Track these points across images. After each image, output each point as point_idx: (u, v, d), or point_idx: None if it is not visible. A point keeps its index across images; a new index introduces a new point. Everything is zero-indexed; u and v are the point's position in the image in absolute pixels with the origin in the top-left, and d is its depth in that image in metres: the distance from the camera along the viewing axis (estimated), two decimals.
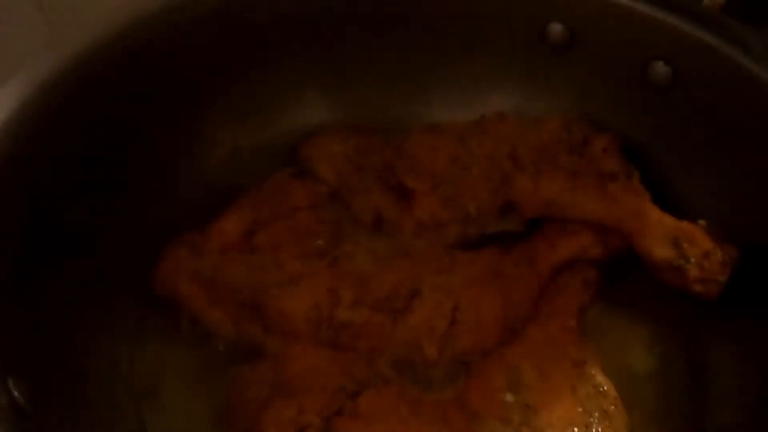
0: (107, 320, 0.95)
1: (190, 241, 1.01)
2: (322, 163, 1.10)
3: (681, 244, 0.93)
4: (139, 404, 0.91)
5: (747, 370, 0.90)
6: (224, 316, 0.96)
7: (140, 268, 1.00)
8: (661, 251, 0.93)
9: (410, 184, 1.04)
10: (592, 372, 0.86)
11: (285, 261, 0.95)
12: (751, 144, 0.96)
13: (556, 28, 1.10)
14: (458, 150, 1.08)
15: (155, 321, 0.99)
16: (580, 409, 0.80)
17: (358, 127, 1.17)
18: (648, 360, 0.96)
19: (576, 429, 0.79)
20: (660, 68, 1.04)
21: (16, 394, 0.69)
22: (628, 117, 1.10)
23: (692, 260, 0.92)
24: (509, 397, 0.81)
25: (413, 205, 1.03)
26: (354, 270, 0.95)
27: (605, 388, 0.84)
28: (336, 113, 1.21)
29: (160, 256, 1.01)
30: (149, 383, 0.93)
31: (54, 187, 0.90)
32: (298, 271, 0.94)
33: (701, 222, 0.95)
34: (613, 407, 0.83)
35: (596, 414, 0.81)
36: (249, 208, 1.04)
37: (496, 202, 1.05)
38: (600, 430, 0.80)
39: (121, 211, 1.01)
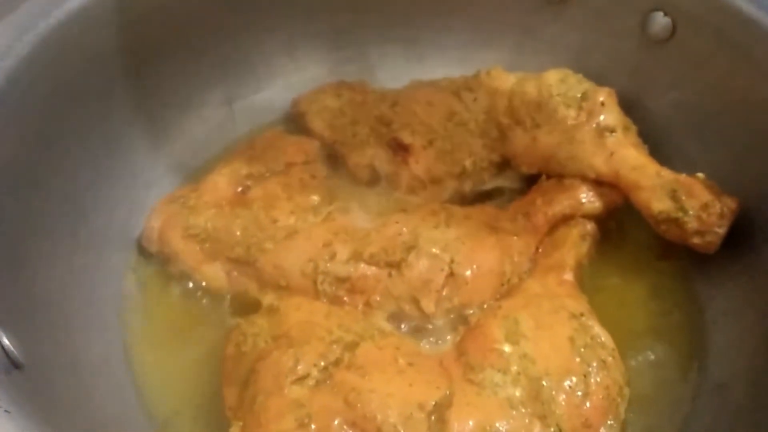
0: (97, 276, 0.94)
1: (182, 196, 1.00)
2: (315, 119, 1.09)
3: (679, 197, 0.92)
4: (130, 353, 0.90)
5: (745, 322, 0.90)
6: (219, 272, 0.95)
7: (132, 223, 0.99)
8: (659, 204, 0.92)
9: (406, 140, 1.03)
10: (590, 323, 0.85)
11: (279, 216, 0.94)
12: (751, 95, 0.95)
13: None
14: (454, 105, 1.07)
15: (146, 277, 0.98)
16: (578, 359, 0.80)
17: (352, 83, 1.16)
18: (646, 314, 0.95)
19: (574, 378, 0.78)
20: (659, 19, 1.03)
21: (7, 344, 0.69)
22: (626, 71, 1.09)
23: (690, 212, 0.91)
24: (507, 348, 0.80)
25: (409, 161, 1.03)
26: (349, 225, 0.94)
27: (603, 339, 0.84)
28: (329, 71, 1.19)
29: (151, 211, 0.99)
30: (140, 334, 0.93)
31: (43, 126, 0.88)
32: (293, 227, 0.93)
33: (699, 175, 0.94)
34: (610, 358, 0.82)
35: (594, 364, 0.80)
36: (242, 163, 1.03)
37: (493, 157, 1.05)
38: (598, 379, 0.79)
39: (111, 165, 0.99)
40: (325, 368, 0.77)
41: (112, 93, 0.99)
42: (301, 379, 0.76)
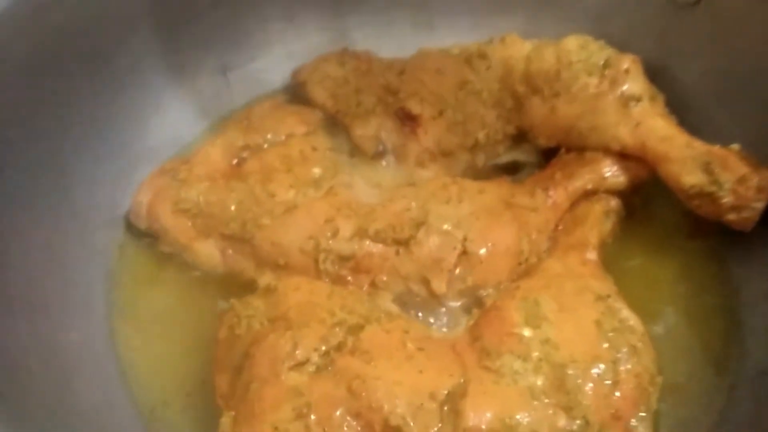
0: (81, 254, 0.88)
1: (173, 169, 0.94)
2: (317, 87, 1.02)
3: (713, 169, 0.85)
4: (115, 337, 0.85)
5: None
6: (212, 250, 0.90)
7: (119, 198, 0.94)
8: (690, 177, 0.86)
9: (414, 109, 0.97)
10: (617, 306, 0.79)
11: (277, 190, 0.89)
12: None
13: None
14: (466, 73, 1.01)
15: (135, 255, 0.93)
16: (606, 345, 0.74)
17: (356, 52, 1.09)
18: (675, 297, 0.89)
19: (602, 365, 0.72)
20: None
21: None
22: (651, 37, 1.02)
23: (726, 186, 0.84)
24: (527, 332, 0.74)
25: (418, 132, 0.97)
26: (353, 200, 0.89)
27: (632, 322, 0.77)
28: (331, 40, 1.13)
29: (140, 185, 0.94)
30: (126, 316, 0.88)
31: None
32: (292, 201, 0.88)
33: (734, 146, 0.87)
34: (640, 343, 0.76)
35: (623, 350, 0.74)
36: (238, 134, 0.97)
37: (508, 129, 1.00)
38: (628, 366, 0.73)
39: (96, 136, 0.94)
40: (327, 353, 0.72)
41: (97, 59, 0.93)
42: (300, 365, 0.71)
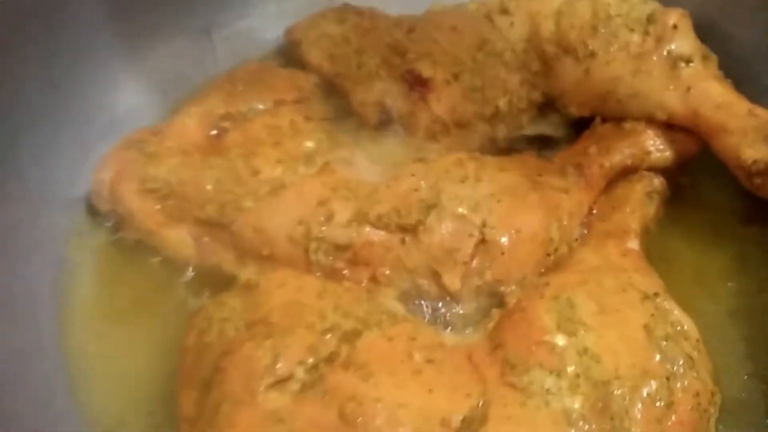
0: (32, 241, 0.80)
1: (140, 141, 0.85)
2: (313, 48, 0.94)
3: None
4: (67, 343, 0.76)
5: None
6: (185, 237, 0.82)
7: (80, 176, 0.85)
8: (753, 150, 0.77)
9: (425, 72, 0.88)
10: (668, 306, 0.69)
11: (263, 166, 0.80)
12: None
13: None
14: (485, 31, 0.92)
15: (96, 243, 0.84)
16: (659, 356, 0.63)
17: (358, 8, 0.99)
18: (731, 294, 0.80)
19: (654, 382, 0.62)
20: None
21: None
22: None
23: None
24: (561, 340, 0.64)
25: (429, 98, 0.88)
26: (352, 178, 0.80)
27: (686, 327, 0.67)
28: None
29: (101, 160, 0.85)
30: (82, 317, 0.79)
31: None
32: (280, 180, 0.79)
33: None
34: (696, 352, 0.66)
35: (680, 362, 0.63)
36: (219, 101, 0.88)
37: (534, 96, 0.92)
38: (685, 383, 0.63)
39: (56, 104, 0.85)
40: (315, 367, 0.63)
41: (56, 10, 0.84)
42: (282, 383, 0.62)
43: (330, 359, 0.63)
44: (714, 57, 0.87)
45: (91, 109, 0.89)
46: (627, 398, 0.61)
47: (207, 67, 0.98)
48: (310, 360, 0.62)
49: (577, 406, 0.60)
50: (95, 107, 0.89)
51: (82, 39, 0.88)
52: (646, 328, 0.65)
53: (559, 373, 0.62)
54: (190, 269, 0.81)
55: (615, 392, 0.61)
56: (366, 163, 0.84)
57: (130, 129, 0.89)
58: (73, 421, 0.70)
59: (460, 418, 0.59)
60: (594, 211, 0.83)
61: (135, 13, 0.93)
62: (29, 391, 0.68)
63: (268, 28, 1.02)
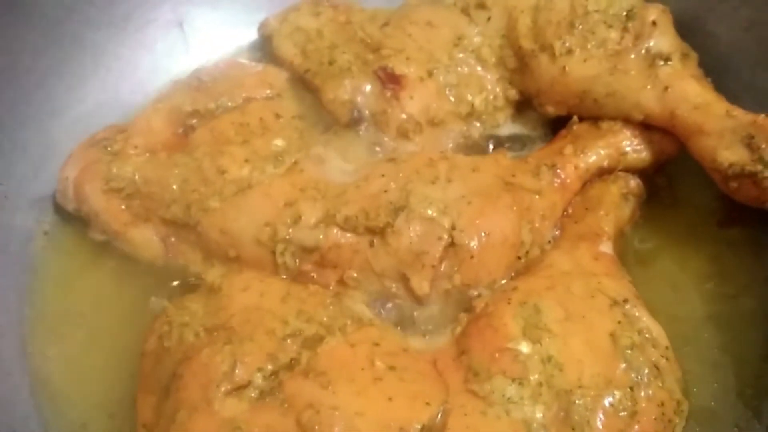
0: None
1: (105, 139, 0.83)
2: (285, 42, 0.92)
3: (757, 144, 0.75)
4: (28, 343, 0.75)
5: None
6: (151, 237, 0.80)
7: (48, 174, 0.83)
8: (729, 153, 0.76)
9: (398, 69, 0.86)
10: (636, 313, 0.67)
11: (229, 166, 0.78)
12: None
13: None
14: (462, 26, 0.91)
15: (63, 243, 0.83)
16: (623, 365, 0.62)
17: (336, 1, 0.97)
18: (704, 298, 0.79)
19: (617, 392, 0.61)
20: None
21: None
22: None
23: None
24: (525, 347, 0.63)
25: (401, 96, 0.86)
26: (321, 179, 0.78)
27: (654, 334, 0.66)
28: None
29: (67, 158, 0.83)
30: (44, 317, 0.78)
31: None
32: (247, 179, 0.77)
33: None
34: (664, 360, 0.65)
35: (645, 371, 0.63)
36: (186, 98, 0.86)
37: (510, 94, 0.91)
38: (650, 392, 0.62)
39: (18, 99, 0.83)
40: (274, 374, 0.62)
41: (21, 4, 0.83)
42: (240, 390, 0.61)
43: (290, 366, 0.62)
44: (694, 55, 0.85)
45: (58, 104, 0.87)
46: (589, 408, 0.60)
47: (178, 61, 0.97)
48: (269, 367, 0.62)
49: (538, 415, 0.60)
50: (63, 103, 0.88)
51: (47, 30, 0.86)
52: (613, 335, 0.64)
53: (521, 382, 0.61)
54: (156, 270, 0.79)
55: (577, 402, 0.60)
56: (337, 162, 0.82)
57: (99, 124, 0.87)
58: (35, 424, 0.69)
59: (419, 427, 0.58)
60: (568, 213, 0.81)
61: (103, 3, 0.91)
62: None
63: (241, 20, 1.00)
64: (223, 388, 0.60)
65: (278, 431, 0.57)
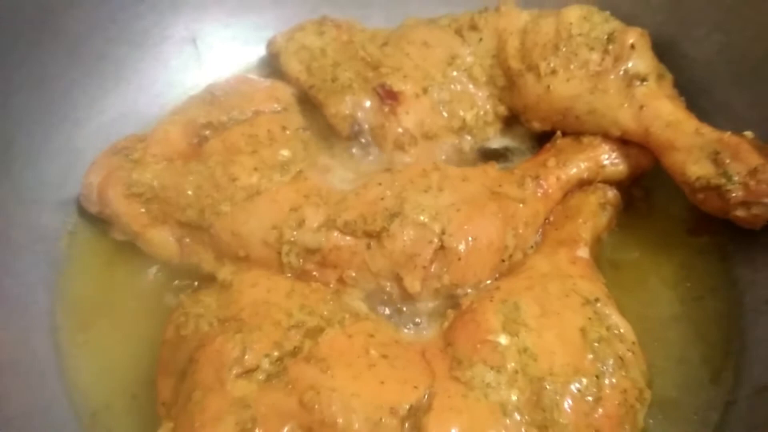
0: (24, 239, 0.82)
1: (126, 147, 0.88)
2: (291, 59, 0.95)
3: (722, 160, 0.79)
4: (57, 332, 0.79)
5: None
6: (167, 238, 0.84)
7: (72, 179, 0.87)
8: (696, 168, 0.80)
9: (396, 86, 0.90)
10: (607, 311, 0.72)
11: (240, 174, 0.82)
12: None
13: None
14: (456, 47, 0.94)
15: (86, 242, 0.87)
16: (590, 356, 0.67)
17: (338, 21, 1.01)
18: (674, 300, 0.83)
19: (584, 379, 0.65)
20: None
21: None
22: (661, 9, 0.95)
23: (735, 179, 0.78)
24: (504, 339, 0.68)
25: (398, 111, 0.89)
26: (323, 186, 0.82)
27: (622, 330, 0.71)
28: (313, 6, 1.05)
29: (91, 164, 0.87)
30: (71, 309, 0.82)
31: None
32: (256, 186, 0.81)
33: (748, 133, 0.81)
34: (630, 354, 0.69)
35: (609, 362, 0.67)
36: (201, 110, 0.90)
37: (499, 110, 0.94)
38: (614, 380, 0.66)
39: (46, 110, 0.87)
40: (279, 360, 0.66)
41: (48, 21, 0.87)
42: (249, 373, 0.65)
43: (293, 353, 0.66)
44: (669, 76, 0.89)
45: (82, 115, 0.91)
46: (558, 393, 0.64)
47: (192, 76, 1.01)
48: (275, 353, 0.66)
49: (513, 398, 0.64)
50: (86, 113, 0.92)
51: (73, 47, 0.90)
52: (583, 330, 0.68)
53: (499, 369, 0.65)
54: (174, 268, 0.83)
55: (548, 387, 0.64)
56: (338, 171, 0.86)
57: (119, 134, 0.92)
58: (62, 403, 0.74)
59: (407, 407, 0.62)
60: (550, 220, 0.84)
61: (123, 22, 0.95)
62: (22, 376, 0.72)
63: (251, 38, 1.03)
64: (234, 371, 0.64)
65: (283, 409, 0.62)
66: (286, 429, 0.61)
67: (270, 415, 0.62)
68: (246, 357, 0.65)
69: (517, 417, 0.63)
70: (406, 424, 0.62)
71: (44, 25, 0.86)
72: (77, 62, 0.91)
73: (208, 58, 1.03)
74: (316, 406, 0.62)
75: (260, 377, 0.65)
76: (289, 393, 0.63)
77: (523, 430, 0.63)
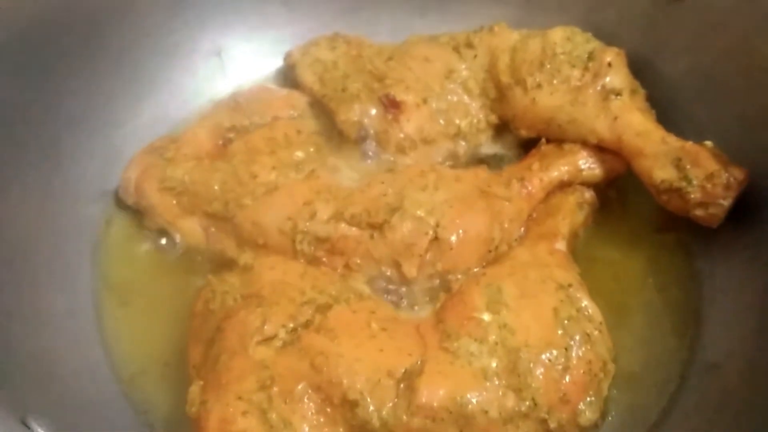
0: (71, 226, 0.91)
1: (161, 147, 0.97)
2: (306, 71, 1.04)
3: (683, 166, 0.87)
4: (99, 308, 0.88)
5: (744, 301, 0.85)
6: (195, 227, 0.93)
7: (110, 173, 0.96)
8: (661, 172, 0.88)
9: (399, 96, 0.98)
10: (578, 295, 0.81)
11: (260, 171, 0.91)
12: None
13: None
14: (453, 62, 1.02)
15: (123, 229, 0.96)
16: (561, 332, 0.76)
17: (348, 36, 1.10)
18: (641, 289, 0.91)
19: (554, 351, 0.75)
20: None
21: None
22: (639, 31, 1.03)
23: (694, 182, 0.86)
24: (487, 317, 0.76)
25: (400, 119, 0.97)
26: (333, 184, 0.91)
27: (590, 311, 0.80)
28: (325, 24, 1.14)
29: (129, 161, 0.96)
30: (112, 288, 0.90)
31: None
32: (274, 182, 0.90)
33: (707, 143, 0.89)
34: (596, 332, 0.78)
35: (577, 337, 0.76)
36: (226, 115, 0.99)
37: (491, 119, 1.01)
38: (580, 353, 0.75)
39: (90, 114, 0.96)
40: (294, 330, 0.75)
41: (93, 35, 0.96)
42: (268, 340, 0.74)
43: (306, 324, 0.74)
44: (642, 91, 0.95)
45: (120, 118, 0.99)
46: (532, 362, 0.72)
47: (217, 84, 1.09)
48: (291, 324, 0.74)
49: (493, 365, 0.72)
50: (123, 117, 1.00)
51: (113, 59, 0.98)
52: (555, 310, 0.76)
53: (482, 341, 0.73)
54: (201, 253, 0.91)
55: (523, 356, 0.72)
56: (345, 170, 0.94)
57: (153, 135, 1.00)
58: (104, 368, 0.82)
59: (402, 370, 0.71)
60: (533, 217, 0.91)
61: (157, 36, 1.03)
62: (68, 344, 0.80)
63: (270, 51, 1.11)
64: (255, 339, 0.73)
65: (296, 370, 0.71)
66: (299, 386, 0.70)
67: (286, 375, 0.71)
68: (266, 327, 0.73)
69: (496, 381, 0.72)
70: (401, 385, 0.71)
71: (90, 39, 0.94)
72: (117, 72, 0.99)
73: (231, 69, 1.11)
74: (325, 369, 0.70)
75: (278, 344, 0.73)
76: (301, 357, 0.72)
77: (500, 392, 0.71)
